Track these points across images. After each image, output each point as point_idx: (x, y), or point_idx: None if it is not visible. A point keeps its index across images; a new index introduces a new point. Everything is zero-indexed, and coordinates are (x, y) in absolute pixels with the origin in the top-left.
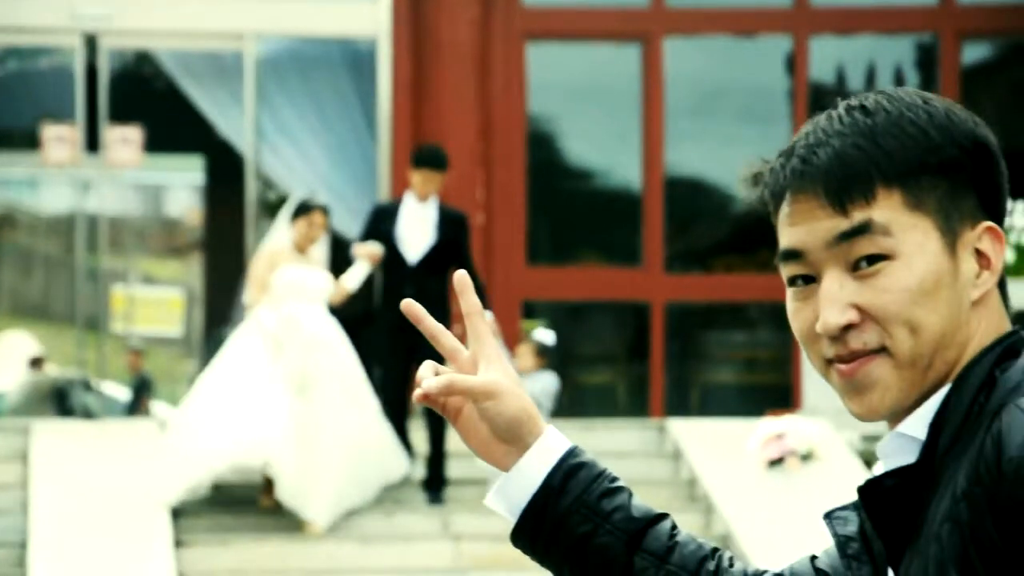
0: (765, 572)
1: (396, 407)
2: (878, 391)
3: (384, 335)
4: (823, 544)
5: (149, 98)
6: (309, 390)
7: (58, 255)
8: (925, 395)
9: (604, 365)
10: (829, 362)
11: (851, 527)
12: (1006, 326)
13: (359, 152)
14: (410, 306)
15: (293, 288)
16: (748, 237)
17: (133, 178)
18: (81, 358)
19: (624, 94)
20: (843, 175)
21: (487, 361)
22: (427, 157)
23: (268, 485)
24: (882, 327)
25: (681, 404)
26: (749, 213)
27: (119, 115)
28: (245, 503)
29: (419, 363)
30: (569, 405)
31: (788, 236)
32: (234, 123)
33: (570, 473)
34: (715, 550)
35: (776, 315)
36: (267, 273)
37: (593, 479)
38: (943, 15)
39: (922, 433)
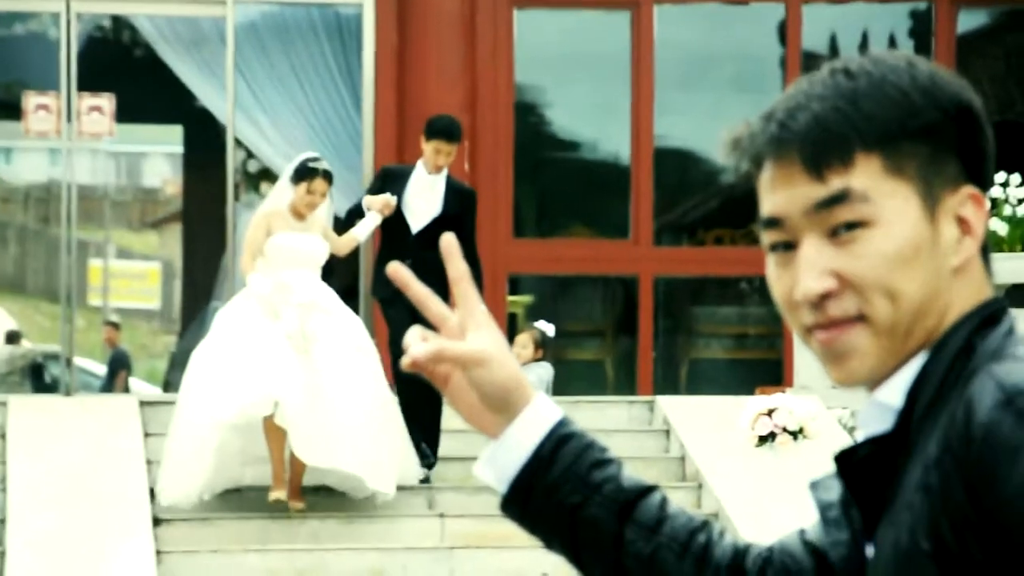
0: (755, 546)
1: (406, 384)
2: (857, 358)
3: (383, 303)
4: (813, 520)
5: (126, 66)
6: (309, 350)
7: (34, 227)
8: (904, 362)
9: (592, 340)
10: (809, 329)
11: (833, 494)
12: (987, 293)
13: (341, 121)
14: (397, 271)
15: (287, 254)
16: (738, 209)
17: (110, 148)
18: (57, 332)
19: (613, 62)
20: (821, 139)
21: (476, 327)
22: (440, 128)
23: (278, 476)
24: (860, 294)
25: (670, 380)
26: (739, 185)
27: (95, 84)
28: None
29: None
30: (557, 381)
31: (768, 203)
32: (214, 92)
33: (560, 443)
34: (705, 523)
35: (766, 289)
36: (262, 238)
37: (583, 449)
38: None
39: (899, 400)
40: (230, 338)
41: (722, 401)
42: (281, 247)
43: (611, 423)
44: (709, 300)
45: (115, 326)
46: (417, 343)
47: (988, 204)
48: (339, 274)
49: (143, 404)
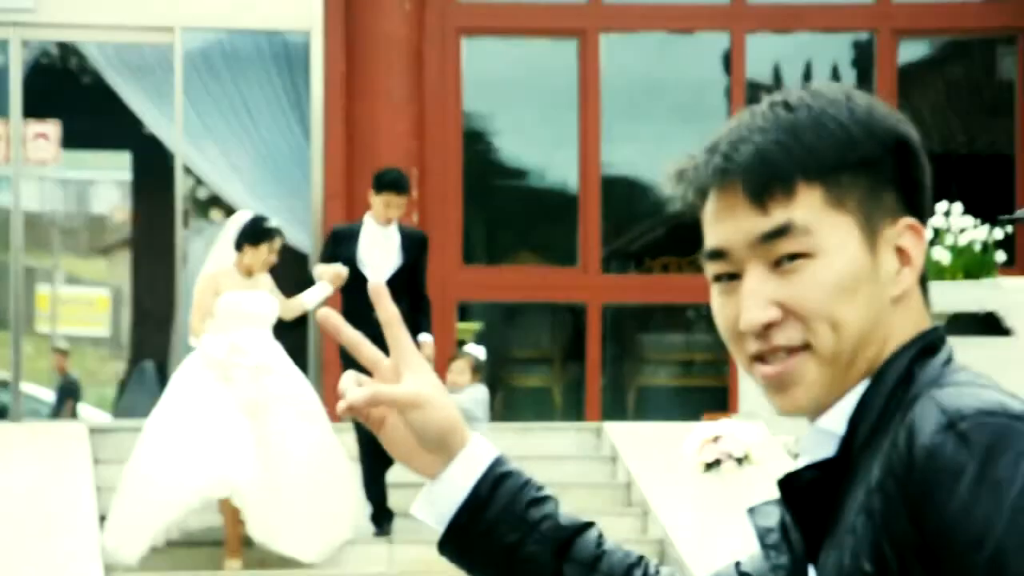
0: None
1: (368, 442)
2: (802, 387)
3: (349, 363)
4: (751, 552)
5: (74, 93)
6: (261, 416)
7: None
8: (846, 391)
9: (540, 367)
10: (753, 359)
11: (772, 520)
12: (926, 323)
13: (290, 149)
14: (326, 318)
15: (237, 313)
16: (685, 238)
17: (58, 175)
18: (4, 359)
19: (560, 91)
20: (764, 172)
21: (410, 370)
22: (389, 182)
23: (233, 541)
24: (804, 324)
25: (617, 406)
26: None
27: (43, 110)
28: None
29: None
30: (505, 408)
31: (712, 234)
32: (163, 119)
33: (497, 482)
34: (641, 558)
35: (713, 317)
36: (210, 299)
37: (520, 488)
38: (880, 13)
39: (841, 427)
40: (184, 409)
41: (669, 427)
42: (231, 307)
43: (559, 449)
44: (656, 328)
45: (64, 353)
46: (352, 388)
47: (927, 234)
48: (287, 335)
49: (93, 431)
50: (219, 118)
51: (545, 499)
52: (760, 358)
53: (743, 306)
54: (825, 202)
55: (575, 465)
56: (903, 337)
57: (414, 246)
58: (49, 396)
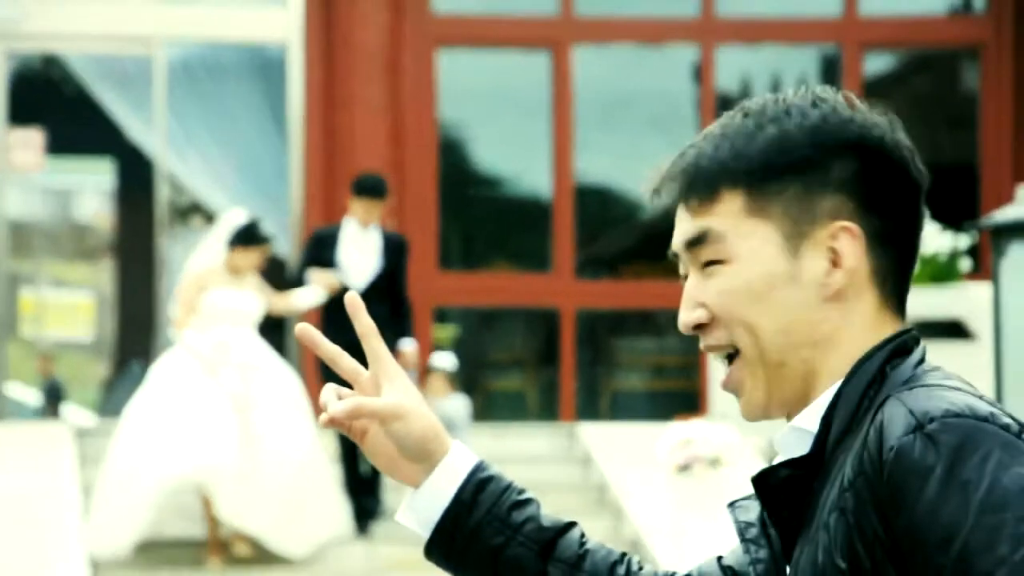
0: (674, 574)
1: (349, 444)
2: (744, 391)
3: (330, 369)
4: (731, 547)
5: (57, 102)
6: (247, 412)
7: None
8: (802, 392)
9: (515, 370)
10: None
11: (752, 515)
12: (886, 322)
13: (270, 157)
14: (304, 331)
15: (224, 312)
16: (656, 245)
17: (41, 181)
18: None
19: (534, 101)
20: (694, 177)
21: (389, 381)
22: (368, 186)
23: (215, 541)
24: (726, 327)
25: (591, 409)
26: (657, 221)
27: (26, 118)
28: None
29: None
30: (480, 410)
31: (673, 238)
32: (144, 127)
33: (480, 487)
34: (624, 555)
35: None
36: (196, 295)
37: (502, 492)
38: (846, 27)
39: (815, 426)
40: (167, 395)
41: (642, 429)
42: (217, 304)
43: (533, 451)
44: (628, 332)
45: (49, 357)
46: (333, 401)
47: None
48: (266, 338)
49: (78, 432)
50: (200, 127)
51: (527, 502)
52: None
53: (681, 306)
54: (745, 209)
55: (549, 467)
56: (859, 336)
57: (395, 250)
58: (34, 399)
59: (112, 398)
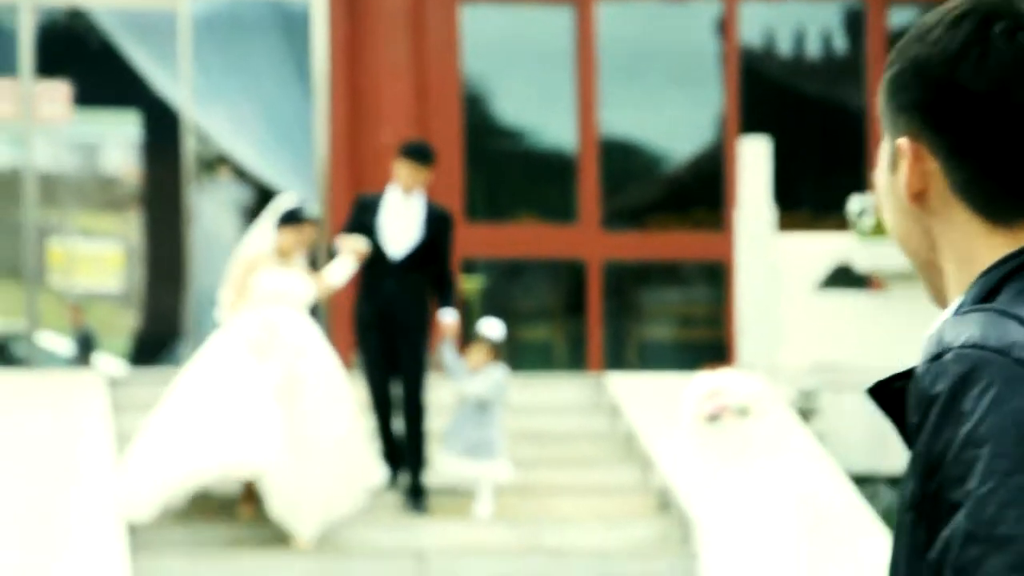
0: None
1: (380, 404)
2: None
3: (363, 330)
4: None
5: (83, 55)
6: (292, 397)
7: None
8: (941, 296)
9: (542, 321)
10: None
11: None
12: (1000, 236)
13: (294, 111)
14: None
15: (273, 293)
16: (681, 197)
17: (68, 133)
18: (20, 312)
19: (557, 56)
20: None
21: None
22: (413, 150)
23: (248, 494)
24: None
25: (618, 360)
26: (682, 173)
27: (53, 70)
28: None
29: (398, 358)
30: (508, 361)
31: None
32: (170, 80)
33: None
34: None
35: (709, 273)
36: (246, 277)
37: None
38: None
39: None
40: (214, 380)
41: (669, 379)
42: (266, 286)
43: (560, 401)
44: (654, 283)
45: (79, 307)
46: None
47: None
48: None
49: (110, 381)
50: (226, 80)
51: None
52: None
53: None
54: (884, 126)
55: (577, 416)
56: (962, 247)
57: (436, 223)
58: (65, 348)
59: (142, 348)
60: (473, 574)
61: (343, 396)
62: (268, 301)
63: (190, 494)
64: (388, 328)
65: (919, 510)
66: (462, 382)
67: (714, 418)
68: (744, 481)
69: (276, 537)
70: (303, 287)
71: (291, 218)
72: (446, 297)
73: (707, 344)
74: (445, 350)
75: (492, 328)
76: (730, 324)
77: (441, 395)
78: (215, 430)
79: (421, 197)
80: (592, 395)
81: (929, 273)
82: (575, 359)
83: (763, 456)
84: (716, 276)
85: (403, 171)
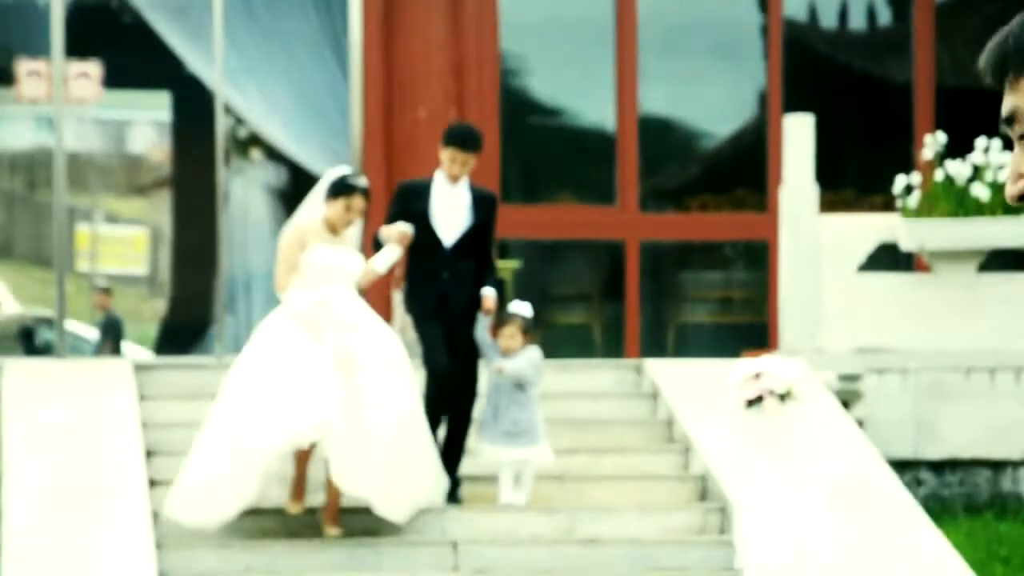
0: None
1: (443, 391)
2: None
3: (420, 318)
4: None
5: (114, 34)
6: (350, 372)
7: (22, 193)
8: None
9: (579, 305)
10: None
11: None
12: None
13: (329, 88)
14: None
15: (324, 270)
16: (722, 176)
17: (98, 114)
18: (47, 297)
19: (597, 31)
20: (1006, 59)
21: None
22: (455, 136)
23: (297, 490)
24: None
25: (657, 344)
26: (722, 151)
27: (84, 50)
28: None
29: (455, 346)
30: (544, 345)
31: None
32: (202, 59)
33: None
34: None
35: (751, 254)
36: (297, 253)
37: None
38: None
39: None
40: (271, 358)
41: (709, 364)
42: (317, 262)
43: (598, 387)
44: (694, 265)
45: (107, 291)
46: None
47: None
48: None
49: (137, 368)
50: (258, 58)
51: None
52: None
53: (1008, 180)
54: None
55: (615, 402)
56: None
57: (484, 206)
58: (91, 334)
59: (171, 335)
60: (507, 563)
61: (401, 374)
62: (319, 278)
63: (261, 493)
64: (445, 316)
65: None
66: (496, 360)
67: (756, 402)
68: (785, 467)
69: (308, 526)
70: (354, 263)
71: (339, 188)
72: (489, 279)
73: (747, 327)
74: (479, 328)
75: (521, 306)
76: (772, 307)
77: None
78: (276, 407)
79: (465, 180)
80: (631, 380)
81: None
82: (612, 342)
83: (804, 442)
84: (758, 258)
85: (446, 156)
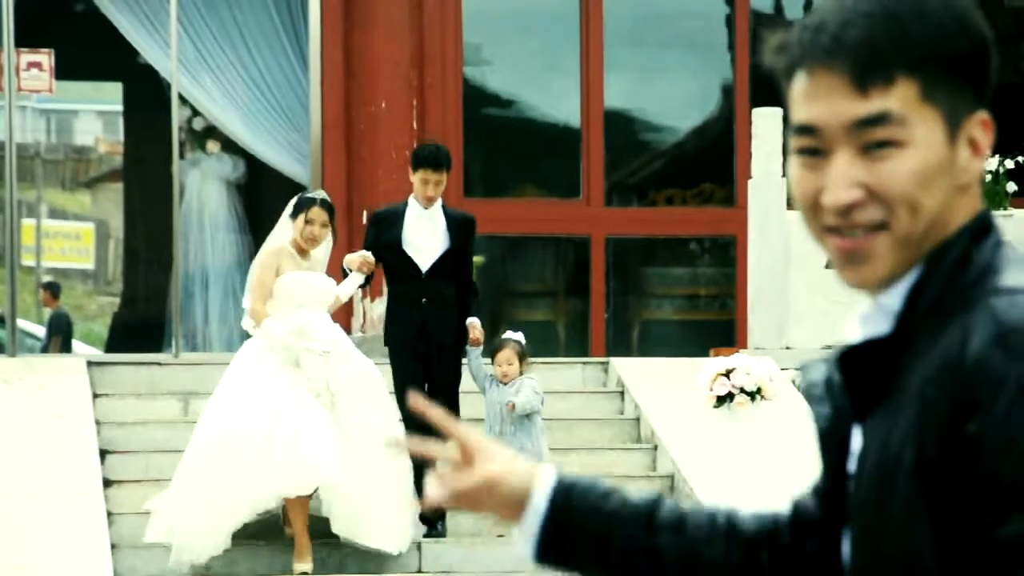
0: (775, 511)
1: (419, 427)
2: (872, 265)
3: (398, 347)
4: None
5: (65, 21)
6: (333, 403)
7: None
8: (910, 269)
9: (543, 301)
10: (827, 230)
11: (817, 375)
12: (979, 206)
13: (288, 80)
14: (415, 401)
15: (297, 293)
16: (689, 170)
17: (42, 106)
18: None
19: (562, 22)
20: (870, 58)
21: (479, 454)
22: (424, 157)
23: (302, 544)
24: (887, 207)
25: (622, 341)
26: (688, 145)
27: (34, 40)
28: None
29: (433, 374)
30: None
31: (804, 111)
32: (157, 49)
33: (568, 491)
34: (716, 508)
35: (718, 249)
36: (272, 278)
37: (588, 487)
38: None
39: (899, 304)
40: (251, 398)
41: (676, 362)
42: (291, 286)
43: (565, 384)
44: (660, 260)
45: (53, 287)
46: (433, 487)
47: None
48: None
49: (91, 364)
50: (215, 48)
51: (613, 489)
52: (835, 231)
53: (831, 184)
54: (919, 95)
55: (582, 400)
56: (962, 220)
57: (461, 229)
58: (38, 330)
59: (121, 333)
60: (473, 559)
61: (382, 398)
62: (293, 301)
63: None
64: (423, 346)
65: (936, 482)
66: (492, 390)
67: (725, 400)
68: (753, 466)
69: (266, 528)
70: (327, 286)
71: (299, 205)
72: (472, 305)
73: (714, 324)
74: (472, 360)
75: (517, 334)
76: (740, 304)
77: (466, 410)
78: (262, 451)
79: (439, 203)
80: (598, 377)
81: (923, 247)
82: (578, 339)
83: (773, 441)
84: (725, 254)
85: (418, 180)
